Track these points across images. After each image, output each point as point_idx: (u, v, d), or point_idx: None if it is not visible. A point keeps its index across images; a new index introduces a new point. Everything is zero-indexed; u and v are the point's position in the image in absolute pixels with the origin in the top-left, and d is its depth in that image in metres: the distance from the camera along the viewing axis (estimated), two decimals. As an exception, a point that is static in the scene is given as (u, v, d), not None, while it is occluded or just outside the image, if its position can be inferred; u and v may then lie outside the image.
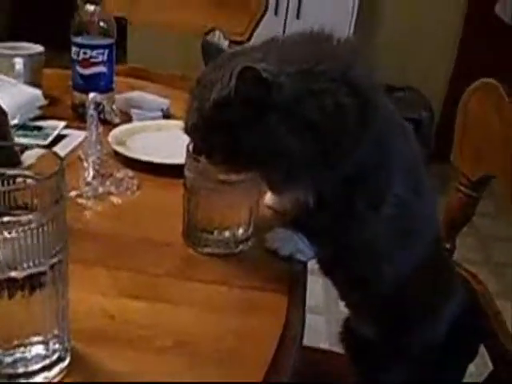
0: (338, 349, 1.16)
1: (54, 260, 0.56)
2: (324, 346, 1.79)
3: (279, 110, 0.74)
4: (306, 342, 0.80)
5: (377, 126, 0.80)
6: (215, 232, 0.85)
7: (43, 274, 0.56)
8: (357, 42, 0.89)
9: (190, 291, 0.77)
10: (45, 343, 0.59)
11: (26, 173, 0.58)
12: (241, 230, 0.85)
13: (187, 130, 0.81)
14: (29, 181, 0.58)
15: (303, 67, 0.76)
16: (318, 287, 0.96)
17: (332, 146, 0.77)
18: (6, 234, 0.52)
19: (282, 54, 0.78)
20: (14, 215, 0.53)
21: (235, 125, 0.75)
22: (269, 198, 0.94)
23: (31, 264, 0.54)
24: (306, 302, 0.80)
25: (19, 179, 0.59)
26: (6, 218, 0.53)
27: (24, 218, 0.53)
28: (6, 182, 0.59)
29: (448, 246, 1.16)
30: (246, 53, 0.81)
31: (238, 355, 0.67)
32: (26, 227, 0.53)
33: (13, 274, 0.54)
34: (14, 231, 0.52)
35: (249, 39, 1.91)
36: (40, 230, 0.54)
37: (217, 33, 1.83)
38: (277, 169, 0.79)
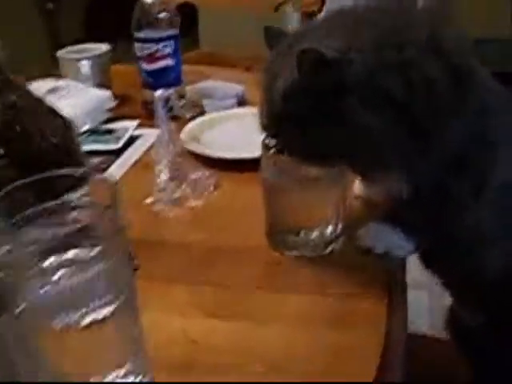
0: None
1: (122, 296, 0.51)
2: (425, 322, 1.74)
3: (354, 90, 0.65)
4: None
5: (474, 97, 0.70)
6: (301, 233, 0.77)
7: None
8: (441, 6, 0.78)
9: (278, 305, 0.69)
10: (124, 377, 0.54)
11: (83, 202, 0.53)
12: (329, 229, 0.77)
13: (262, 126, 0.74)
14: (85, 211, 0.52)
15: (377, 39, 0.67)
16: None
17: (424, 127, 0.68)
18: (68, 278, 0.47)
19: (351, 27, 0.69)
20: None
21: (309, 115, 0.67)
22: (357, 187, 0.85)
23: (97, 304, 0.49)
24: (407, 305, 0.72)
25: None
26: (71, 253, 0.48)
27: (87, 254, 0.47)
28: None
29: None
30: (308, 33, 0.73)
31: (337, 375, 0.60)
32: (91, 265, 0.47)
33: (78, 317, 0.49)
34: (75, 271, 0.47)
35: (320, 9, 1.82)
36: (103, 264, 0.48)
37: (288, 5, 1.75)
38: (362, 157, 0.70)
